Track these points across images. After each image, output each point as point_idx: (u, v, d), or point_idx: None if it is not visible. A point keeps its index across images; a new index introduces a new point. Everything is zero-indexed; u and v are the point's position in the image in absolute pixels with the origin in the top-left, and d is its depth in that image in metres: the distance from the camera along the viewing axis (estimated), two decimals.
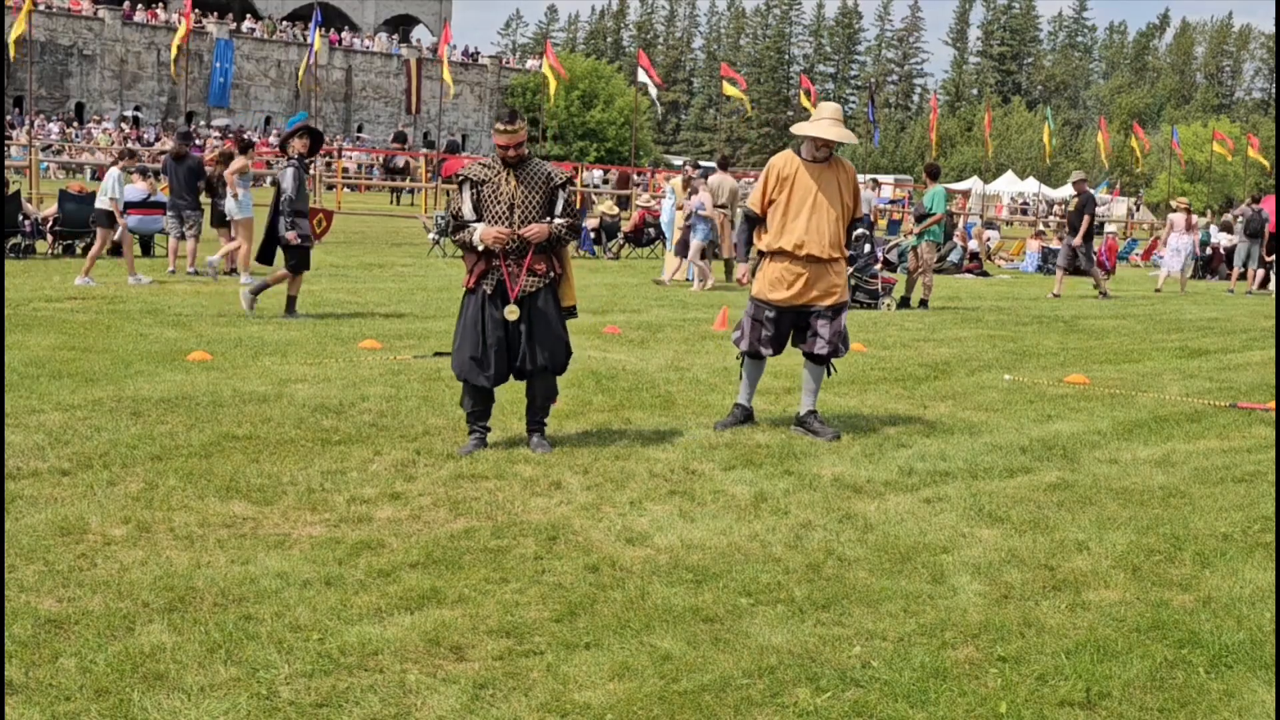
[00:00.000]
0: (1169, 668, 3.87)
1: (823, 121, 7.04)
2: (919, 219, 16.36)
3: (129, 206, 18.13)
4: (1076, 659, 3.90)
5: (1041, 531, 5.34)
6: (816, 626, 4.10)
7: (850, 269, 15.83)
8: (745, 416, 7.32)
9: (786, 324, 7.14)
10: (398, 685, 3.51)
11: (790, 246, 6.98)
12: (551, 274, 6.40)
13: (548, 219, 6.32)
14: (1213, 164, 67.97)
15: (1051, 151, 62.61)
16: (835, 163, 7.12)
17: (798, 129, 7.16)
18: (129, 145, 16.80)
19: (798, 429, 7.12)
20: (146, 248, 18.63)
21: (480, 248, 6.25)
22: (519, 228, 6.25)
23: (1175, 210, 23.82)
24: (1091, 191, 19.96)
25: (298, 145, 11.42)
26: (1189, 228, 22.93)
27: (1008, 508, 5.70)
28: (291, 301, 11.67)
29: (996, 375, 9.80)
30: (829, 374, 7.34)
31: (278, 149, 11.49)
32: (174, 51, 35.71)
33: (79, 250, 17.63)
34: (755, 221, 7.20)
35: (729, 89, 40.60)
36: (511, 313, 6.27)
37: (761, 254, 7.16)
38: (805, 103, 39.75)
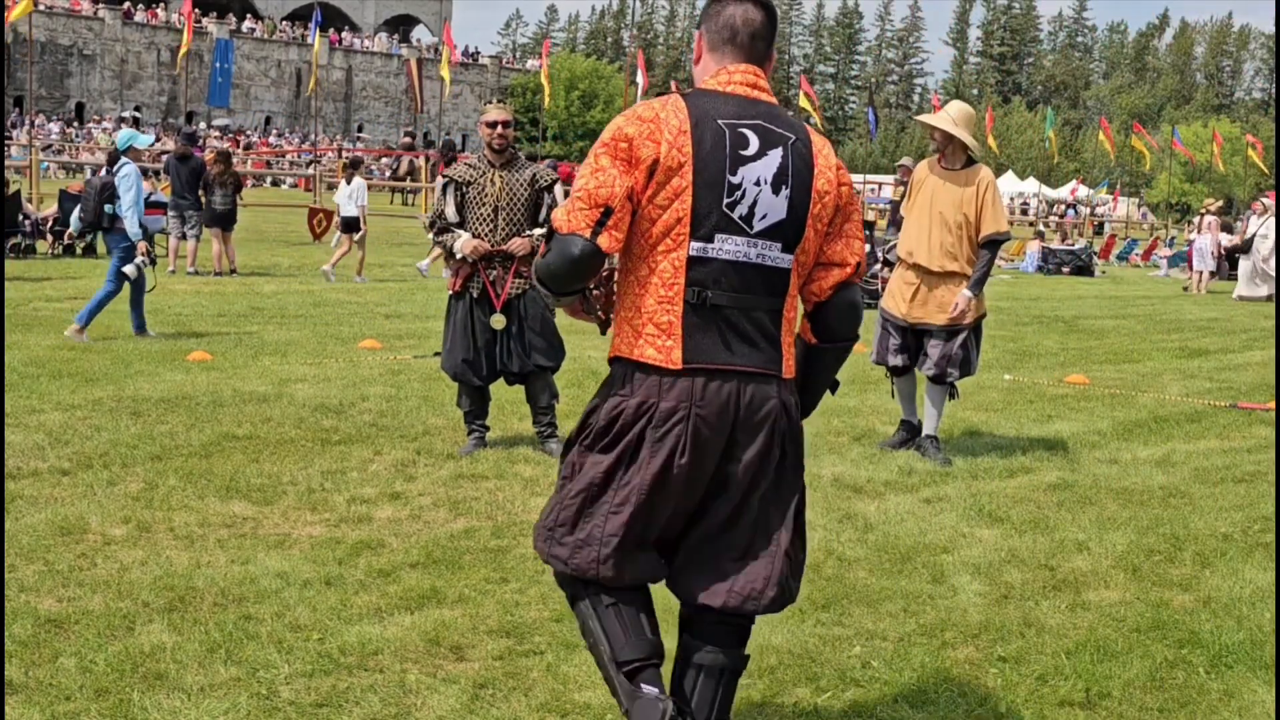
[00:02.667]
0: (1169, 668, 3.87)
1: (939, 115, 6.73)
2: None
3: None
4: (1076, 659, 3.90)
5: (1041, 531, 5.34)
6: (816, 626, 4.10)
7: None
8: (912, 433, 6.91)
9: (911, 336, 6.77)
10: (398, 685, 3.51)
11: (903, 254, 6.73)
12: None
13: (528, 233, 6.30)
14: (1212, 165, 68.01)
15: (1056, 153, 62.59)
16: (970, 173, 6.61)
17: (921, 118, 6.90)
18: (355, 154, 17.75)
19: (916, 450, 6.75)
20: None
21: (459, 256, 6.26)
22: (503, 230, 6.23)
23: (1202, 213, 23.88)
24: None
25: None
26: (1204, 229, 22.83)
27: (1008, 508, 5.70)
28: None
29: (996, 375, 9.81)
30: (952, 397, 6.88)
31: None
32: (184, 48, 35.67)
33: (79, 250, 17.63)
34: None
35: None
36: (498, 322, 6.26)
37: (899, 262, 6.85)
38: (804, 104, 39.68)
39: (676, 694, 2.91)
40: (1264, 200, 21.86)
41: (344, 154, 49.11)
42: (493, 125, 6.27)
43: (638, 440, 2.78)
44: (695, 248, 2.75)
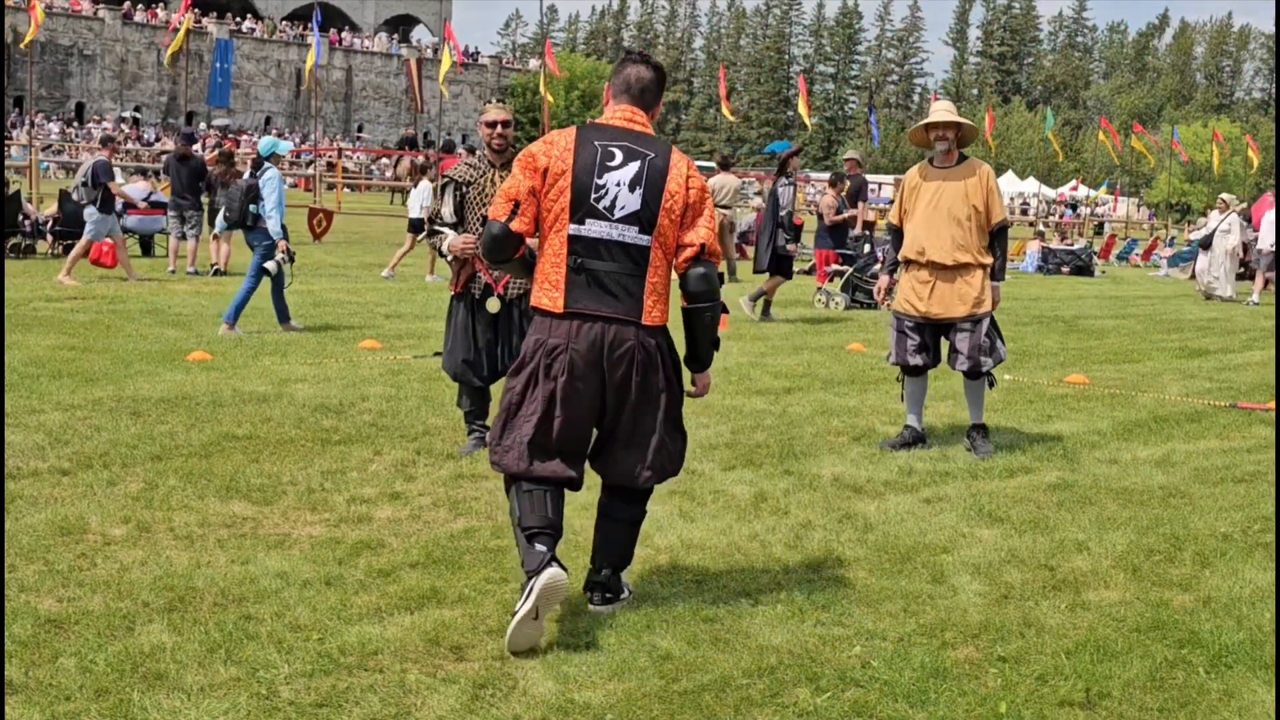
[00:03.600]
0: (1169, 668, 3.87)
1: (938, 113, 6.87)
2: None
3: (129, 207, 18.17)
4: (1076, 659, 3.90)
5: (1041, 531, 5.34)
6: (816, 626, 4.10)
7: (849, 269, 15.89)
8: (915, 438, 6.93)
9: (929, 335, 6.88)
10: (398, 685, 3.51)
11: (913, 254, 6.83)
12: None
13: None
14: (1212, 165, 68.03)
15: (1061, 153, 62.45)
16: (966, 167, 6.81)
17: (913, 129, 7.00)
18: (419, 160, 18.87)
19: (967, 443, 6.92)
20: (147, 248, 18.62)
21: (449, 258, 6.24)
22: None
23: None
24: (865, 176, 18.24)
25: (796, 164, 12.94)
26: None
27: (1008, 508, 5.70)
28: (767, 304, 13.39)
29: (997, 375, 9.79)
30: (990, 386, 7.02)
31: (775, 172, 13.43)
32: (176, 44, 35.53)
33: None
34: (899, 234, 7.06)
35: (725, 109, 40.40)
36: (493, 304, 6.23)
37: (906, 264, 6.96)
38: (800, 107, 39.60)
39: (597, 543, 4.24)
40: (1224, 196, 21.54)
41: (343, 154, 49.13)
42: (492, 125, 6.27)
43: (537, 367, 3.98)
44: (573, 228, 3.95)
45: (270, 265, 10.44)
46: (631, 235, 3.96)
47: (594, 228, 3.93)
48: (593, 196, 3.93)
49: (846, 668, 3.77)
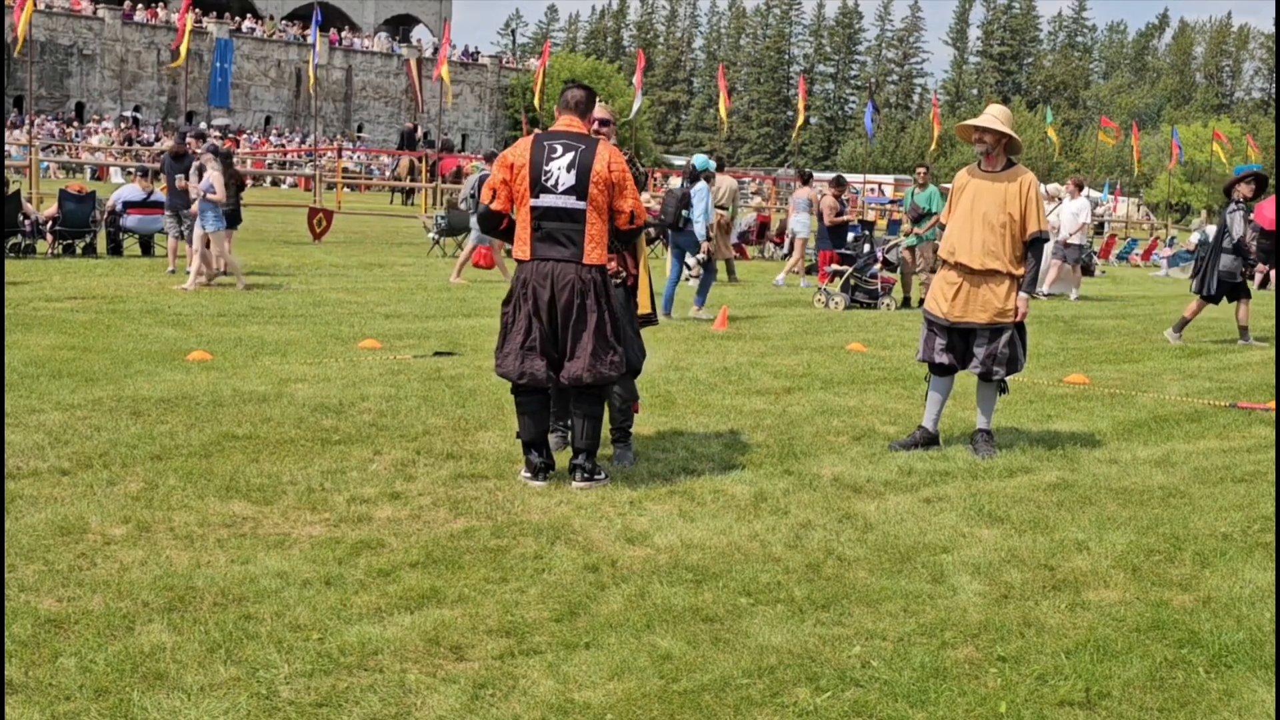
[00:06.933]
0: (1169, 668, 3.87)
1: (986, 117, 6.87)
2: (916, 220, 16.24)
3: (128, 206, 18.17)
4: (1076, 659, 3.90)
5: (1041, 531, 5.34)
6: (816, 626, 4.10)
7: (849, 269, 15.89)
8: (926, 439, 6.92)
9: (956, 336, 6.88)
10: (398, 685, 3.51)
11: (944, 254, 6.89)
12: (622, 273, 6.26)
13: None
14: (1212, 164, 67.99)
15: (1060, 147, 62.36)
16: (1010, 174, 6.80)
17: (959, 125, 7.04)
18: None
19: (970, 445, 6.94)
20: (146, 248, 18.62)
21: None
22: None
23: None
24: (640, 167, 18.58)
25: (1243, 190, 12.59)
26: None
27: (1008, 508, 5.70)
28: (1244, 330, 13.06)
29: None
30: (1003, 392, 7.02)
31: (1223, 194, 13.31)
32: (184, 47, 35.48)
33: (79, 250, 17.64)
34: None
35: (723, 109, 40.40)
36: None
37: (942, 264, 7.01)
38: (799, 107, 39.58)
39: (572, 435, 5.91)
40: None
41: (343, 154, 49.16)
42: (601, 122, 6.27)
43: (519, 297, 5.72)
44: (533, 201, 5.66)
45: (691, 261, 12.68)
46: (572, 202, 5.63)
47: (545, 200, 5.64)
48: (543, 179, 5.63)
49: (846, 668, 3.77)
